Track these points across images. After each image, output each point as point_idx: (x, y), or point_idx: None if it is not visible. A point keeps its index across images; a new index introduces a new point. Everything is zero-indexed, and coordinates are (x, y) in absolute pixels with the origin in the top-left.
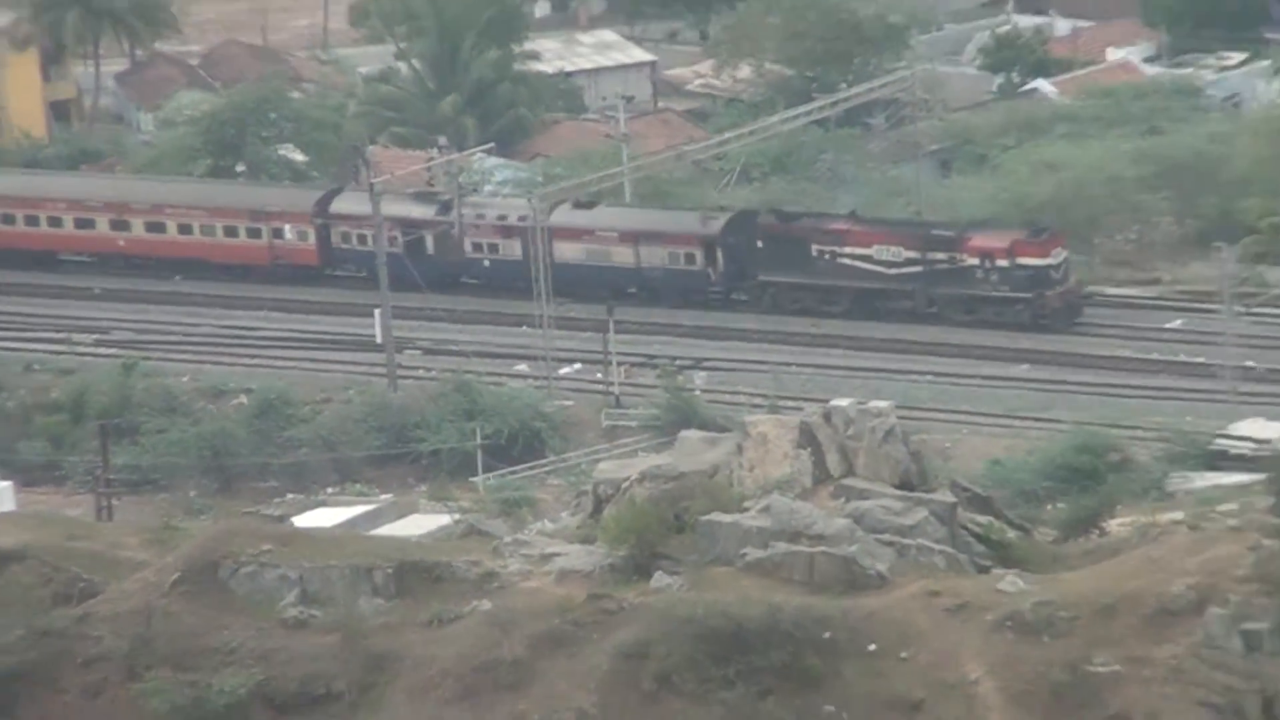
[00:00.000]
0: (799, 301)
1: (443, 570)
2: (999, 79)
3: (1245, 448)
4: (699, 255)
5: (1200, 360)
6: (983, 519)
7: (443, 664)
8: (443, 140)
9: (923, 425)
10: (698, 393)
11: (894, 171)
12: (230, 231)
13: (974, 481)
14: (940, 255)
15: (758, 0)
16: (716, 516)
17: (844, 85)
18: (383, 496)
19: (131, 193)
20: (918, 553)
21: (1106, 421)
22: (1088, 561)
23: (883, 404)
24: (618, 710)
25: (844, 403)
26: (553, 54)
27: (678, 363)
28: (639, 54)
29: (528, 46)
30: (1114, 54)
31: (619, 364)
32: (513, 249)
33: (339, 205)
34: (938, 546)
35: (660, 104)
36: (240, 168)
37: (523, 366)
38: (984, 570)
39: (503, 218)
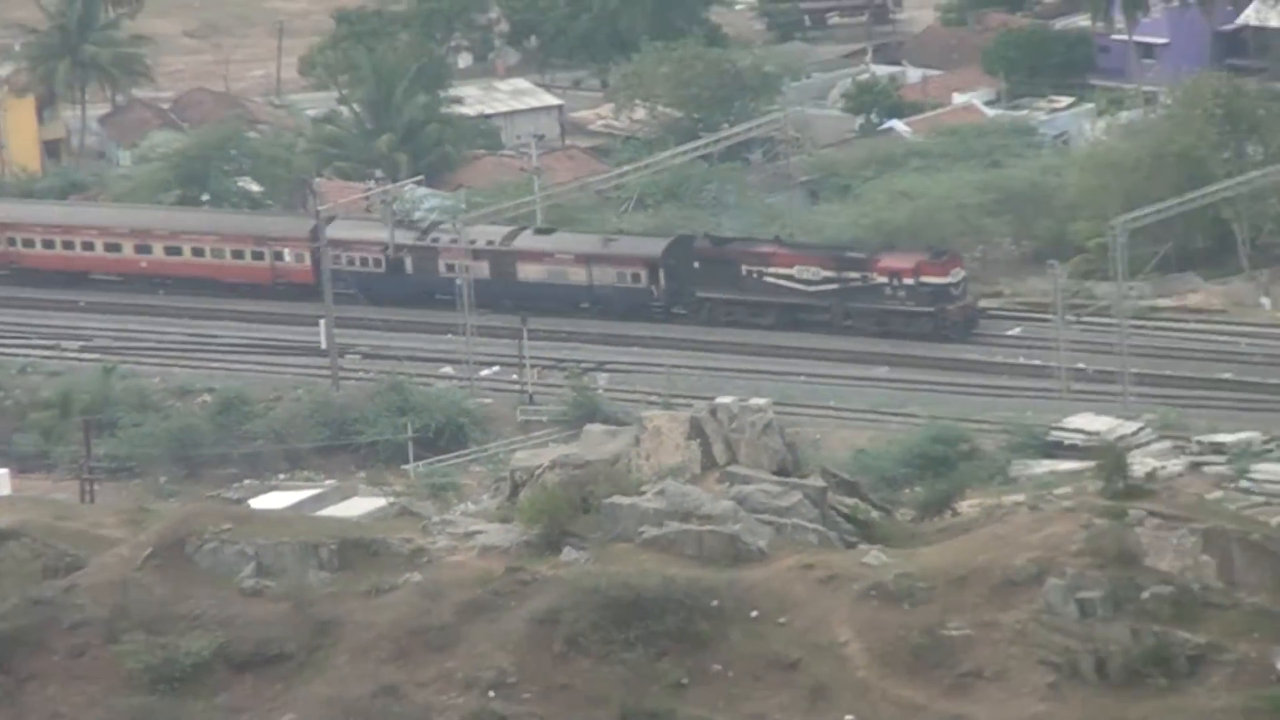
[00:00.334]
0: (731, 315)
1: (379, 546)
2: (860, 120)
3: (1078, 439)
4: (644, 275)
5: (1037, 363)
6: (850, 501)
7: (380, 629)
8: (379, 173)
9: (796, 420)
10: (601, 391)
11: (770, 199)
12: (237, 254)
13: (842, 468)
14: (854, 274)
15: (651, 52)
16: (618, 499)
17: (726, 125)
18: (327, 482)
19: (153, 221)
20: (793, 531)
21: (957, 416)
22: (942, 538)
23: (761, 401)
24: (532, 669)
25: (728, 400)
26: (474, 99)
27: (583, 365)
28: (548, 99)
29: (452, 92)
30: (959, 98)
31: (532, 366)
32: (481, 269)
33: (332, 232)
34: (811, 525)
35: (567, 142)
36: (205, 197)
37: (448, 369)
38: (851, 546)
39: (472, 242)
